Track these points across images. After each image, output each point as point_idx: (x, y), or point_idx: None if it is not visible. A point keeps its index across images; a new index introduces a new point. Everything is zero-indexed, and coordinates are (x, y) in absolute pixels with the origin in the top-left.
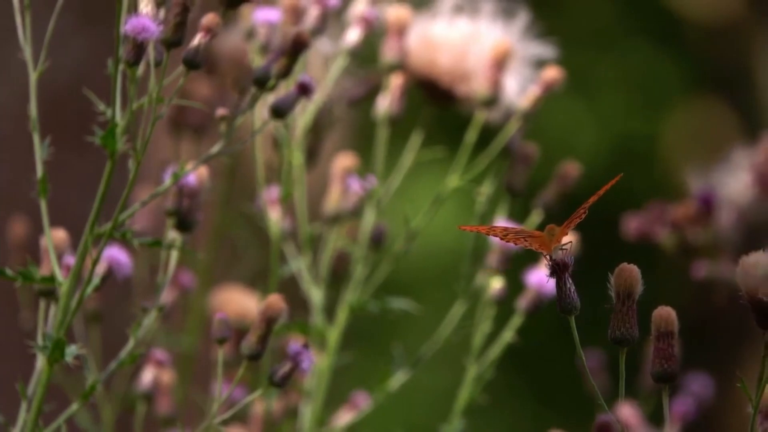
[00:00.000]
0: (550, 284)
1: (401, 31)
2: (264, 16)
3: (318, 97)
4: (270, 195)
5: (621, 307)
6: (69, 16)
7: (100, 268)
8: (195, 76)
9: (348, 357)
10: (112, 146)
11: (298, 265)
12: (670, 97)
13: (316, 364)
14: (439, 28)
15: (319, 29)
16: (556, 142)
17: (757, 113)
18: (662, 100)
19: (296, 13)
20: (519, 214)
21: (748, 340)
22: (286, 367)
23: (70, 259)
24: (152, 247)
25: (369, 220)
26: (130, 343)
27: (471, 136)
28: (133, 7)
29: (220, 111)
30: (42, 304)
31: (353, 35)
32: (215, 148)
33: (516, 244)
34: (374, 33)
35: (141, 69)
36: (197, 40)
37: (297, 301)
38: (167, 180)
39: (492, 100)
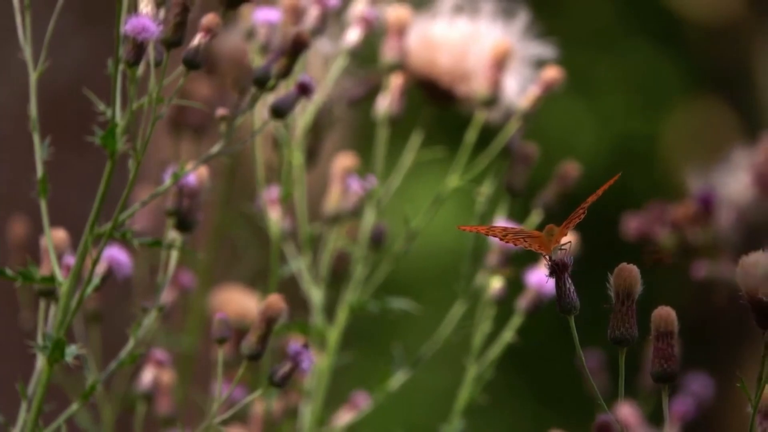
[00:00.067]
0: (549, 284)
1: (401, 31)
2: (264, 16)
3: (318, 97)
4: (270, 195)
5: (620, 307)
6: (69, 16)
7: (100, 268)
8: (195, 76)
9: (348, 357)
10: (112, 146)
11: (298, 265)
12: (670, 97)
13: (316, 364)
14: (439, 28)
15: (319, 29)
16: (556, 142)
17: (757, 113)
18: (662, 100)
19: (296, 13)
20: (519, 214)
21: (748, 340)
22: (286, 367)
23: (70, 259)
24: (152, 247)
25: (369, 220)
26: (130, 343)
27: (471, 136)
28: (133, 7)
29: (220, 111)
30: (42, 304)
31: (353, 35)
32: (215, 148)
33: (515, 244)
34: (374, 33)
35: (141, 69)
36: (197, 40)
37: (297, 301)
38: (167, 180)
39: (492, 100)
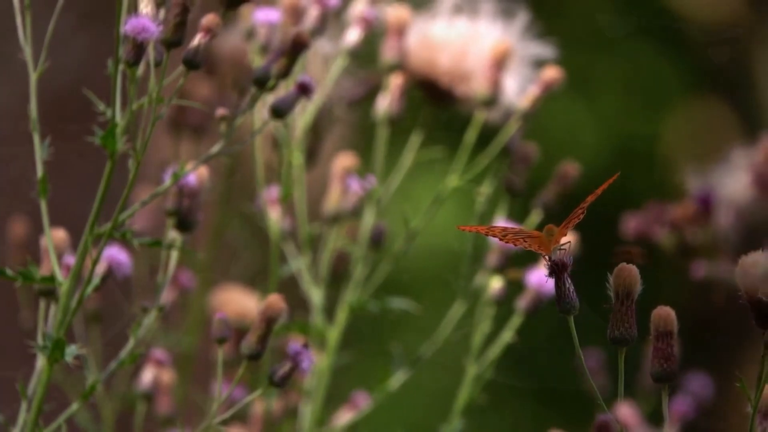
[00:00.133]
0: (549, 284)
1: (401, 31)
2: (264, 16)
3: (318, 97)
4: (270, 195)
5: (620, 307)
6: (69, 16)
7: (100, 268)
8: (195, 76)
9: (348, 357)
10: (112, 146)
11: (298, 265)
12: (670, 97)
13: (316, 364)
14: (439, 28)
15: (319, 29)
16: (556, 142)
17: (757, 113)
18: (662, 100)
19: (296, 13)
20: (518, 214)
21: (748, 340)
22: (286, 367)
23: (70, 259)
24: (152, 247)
25: (369, 220)
26: (130, 343)
27: (471, 136)
28: (133, 7)
29: (220, 111)
30: (42, 304)
31: (353, 35)
32: (215, 148)
33: (515, 244)
34: (374, 33)
35: (141, 69)
36: (197, 40)
37: (297, 301)
38: (167, 180)
39: (492, 100)
